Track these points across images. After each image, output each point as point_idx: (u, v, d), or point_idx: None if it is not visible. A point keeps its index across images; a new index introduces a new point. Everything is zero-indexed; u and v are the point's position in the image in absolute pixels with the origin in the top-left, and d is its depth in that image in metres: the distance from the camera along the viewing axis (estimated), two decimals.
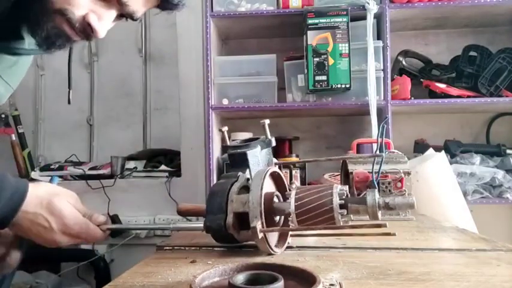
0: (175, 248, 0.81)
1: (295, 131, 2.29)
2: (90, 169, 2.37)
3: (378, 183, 1.00)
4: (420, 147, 2.05)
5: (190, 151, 2.31)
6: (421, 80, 2.09)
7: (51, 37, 0.74)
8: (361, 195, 0.81)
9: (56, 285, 2.09)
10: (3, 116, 2.47)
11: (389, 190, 1.08)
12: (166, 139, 2.54)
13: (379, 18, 1.96)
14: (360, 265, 0.65)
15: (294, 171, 1.93)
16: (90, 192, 2.28)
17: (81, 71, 2.66)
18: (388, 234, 0.67)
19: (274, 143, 0.96)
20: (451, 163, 1.75)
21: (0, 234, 0.76)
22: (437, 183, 1.43)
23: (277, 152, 1.98)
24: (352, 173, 1.10)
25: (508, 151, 2.03)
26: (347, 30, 1.87)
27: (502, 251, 0.74)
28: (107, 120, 2.67)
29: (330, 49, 1.87)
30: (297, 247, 0.78)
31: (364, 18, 1.91)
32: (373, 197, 0.70)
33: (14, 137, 2.50)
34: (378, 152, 1.03)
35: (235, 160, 0.87)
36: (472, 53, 2.09)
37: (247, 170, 0.84)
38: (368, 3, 1.89)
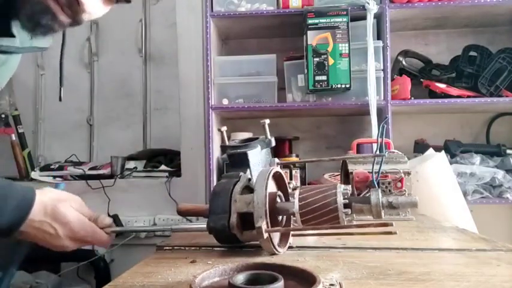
0: (175, 248, 0.80)
1: (295, 131, 2.29)
2: (90, 169, 2.37)
3: (378, 183, 1.00)
4: (420, 147, 2.05)
5: (190, 151, 2.31)
6: (421, 80, 2.09)
7: (35, 14, 0.70)
8: (361, 195, 0.81)
9: (56, 285, 2.09)
10: (3, 116, 2.47)
11: (390, 190, 1.08)
12: (166, 139, 2.54)
13: (379, 18, 1.96)
14: (360, 265, 0.65)
15: (293, 171, 1.93)
16: (90, 192, 2.27)
17: (81, 71, 2.66)
18: (390, 233, 0.67)
19: (274, 143, 0.96)
20: (451, 163, 1.75)
21: None
22: (437, 183, 1.43)
23: (277, 152, 1.99)
24: (352, 173, 1.10)
25: (508, 151, 2.03)
26: (347, 30, 1.87)
27: (502, 251, 0.74)
28: (107, 120, 2.67)
29: (330, 49, 1.87)
30: (297, 247, 0.78)
31: (364, 18, 1.91)
32: (377, 196, 0.70)
33: (14, 137, 2.50)
34: (378, 152, 1.03)
35: (236, 160, 0.87)
36: (472, 53, 2.09)
37: (248, 170, 0.84)
38: (368, 3, 1.89)
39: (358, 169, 1.10)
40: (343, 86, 1.88)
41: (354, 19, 1.91)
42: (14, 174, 2.48)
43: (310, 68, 1.88)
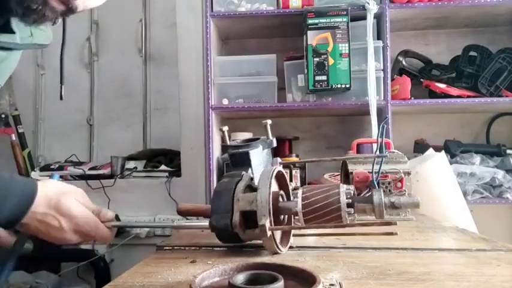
0: (175, 248, 0.80)
1: (295, 131, 2.29)
2: (90, 169, 2.37)
3: (378, 183, 1.00)
4: (420, 147, 2.05)
5: (190, 151, 2.31)
6: (421, 80, 2.09)
7: None
8: (361, 195, 0.81)
9: (56, 285, 2.09)
10: (3, 116, 2.47)
11: (390, 190, 1.08)
12: (166, 139, 2.54)
13: (379, 18, 1.97)
14: (360, 265, 0.65)
15: (294, 171, 1.93)
16: (90, 192, 2.26)
17: (81, 71, 2.67)
18: (391, 234, 0.67)
19: (275, 144, 0.96)
20: (451, 163, 1.75)
21: None
22: (437, 183, 1.43)
23: (277, 152, 1.99)
24: (352, 173, 1.10)
25: (508, 151, 2.03)
26: (347, 30, 1.87)
27: (502, 251, 0.74)
28: (107, 120, 2.67)
29: (330, 49, 1.87)
30: (297, 247, 0.78)
31: (364, 18, 1.91)
32: (380, 196, 0.70)
33: (14, 137, 2.50)
34: (378, 152, 1.03)
35: (237, 160, 0.87)
36: (472, 53, 2.09)
37: (249, 170, 0.84)
38: (368, 3, 1.89)
39: (358, 169, 1.10)
40: (343, 86, 1.88)
41: (354, 19, 1.91)
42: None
43: (310, 68, 1.88)
